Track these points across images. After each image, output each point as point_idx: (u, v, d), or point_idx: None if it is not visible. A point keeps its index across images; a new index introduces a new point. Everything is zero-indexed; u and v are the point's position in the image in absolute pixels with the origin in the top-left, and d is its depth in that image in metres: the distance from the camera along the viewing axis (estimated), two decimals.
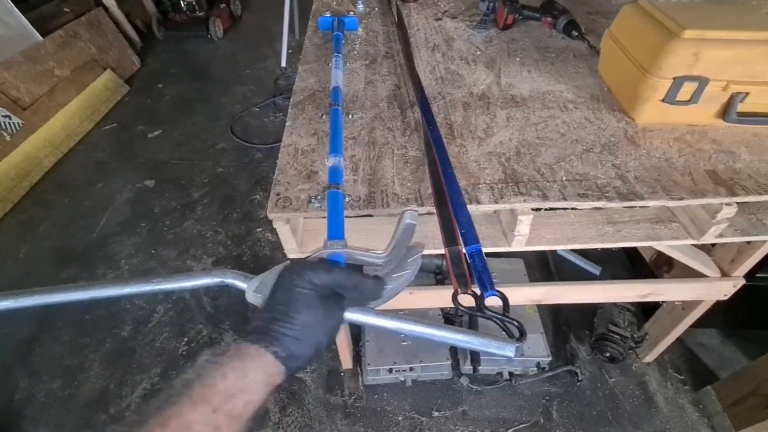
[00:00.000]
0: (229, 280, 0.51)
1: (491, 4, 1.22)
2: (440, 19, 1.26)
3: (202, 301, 1.57)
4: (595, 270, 1.64)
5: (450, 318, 1.36)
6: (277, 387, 0.39)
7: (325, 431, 1.25)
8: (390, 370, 1.31)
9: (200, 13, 3.49)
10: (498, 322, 0.50)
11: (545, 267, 1.65)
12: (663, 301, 1.24)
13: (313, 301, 0.42)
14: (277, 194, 0.67)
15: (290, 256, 0.73)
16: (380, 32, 1.19)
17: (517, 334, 0.49)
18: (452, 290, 0.51)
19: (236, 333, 1.49)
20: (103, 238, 1.82)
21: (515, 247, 0.75)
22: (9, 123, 2.04)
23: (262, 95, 2.73)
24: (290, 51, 3.05)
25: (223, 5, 3.65)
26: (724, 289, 0.99)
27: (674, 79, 0.71)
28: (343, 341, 1.26)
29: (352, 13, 1.23)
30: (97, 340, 1.47)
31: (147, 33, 3.46)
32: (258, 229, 1.85)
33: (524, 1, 1.22)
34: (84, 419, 1.28)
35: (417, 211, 0.61)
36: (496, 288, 0.52)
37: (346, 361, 1.36)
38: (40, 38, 2.40)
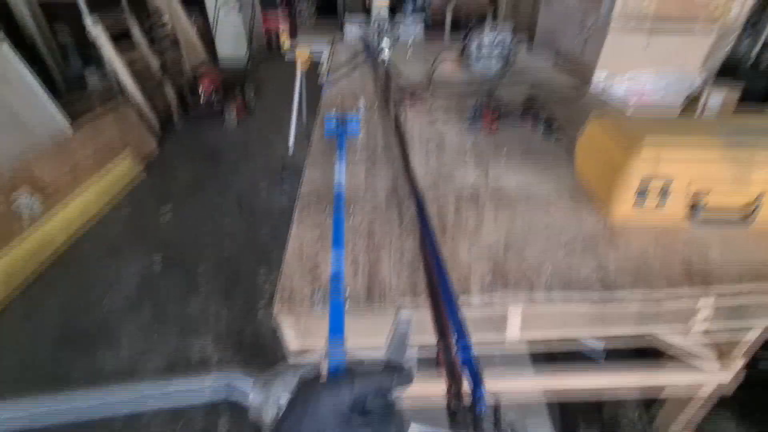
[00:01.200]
0: (232, 384, 0.53)
1: (477, 107, 1.38)
2: (433, 120, 1.42)
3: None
4: (598, 345, 1.61)
5: (456, 416, 1.32)
6: None
7: None
8: None
9: (217, 103, 3.84)
10: (490, 422, 0.52)
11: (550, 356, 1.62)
12: (667, 395, 1.22)
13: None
14: (283, 289, 0.72)
15: (291, 348, 0.76)
16: (380, 131, 1.33)
17: None
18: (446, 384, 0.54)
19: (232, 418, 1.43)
20: (106, 320, 1.82)
21: (509, 338, 0.77)
22: (29, 207, 2.16)
23: (270, 175, 2.91)
24: (297, 136, 3.31)
25: (238, 96, 4.04)
26: (723, 378, 0.99)
27: (641, 182, 0.80)
28: None
29: (354, 110, 1.39)
30: None
31: (167, 120, 3.78)
32: (260, 307, 1.86)
33: (507, 101, 1.38)
34: None
35: (411, 310, 0.66)
36: (489, 379, 0.55)
37: None
38: (70, 129, 2.63)
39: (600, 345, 1.62)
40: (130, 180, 2.87)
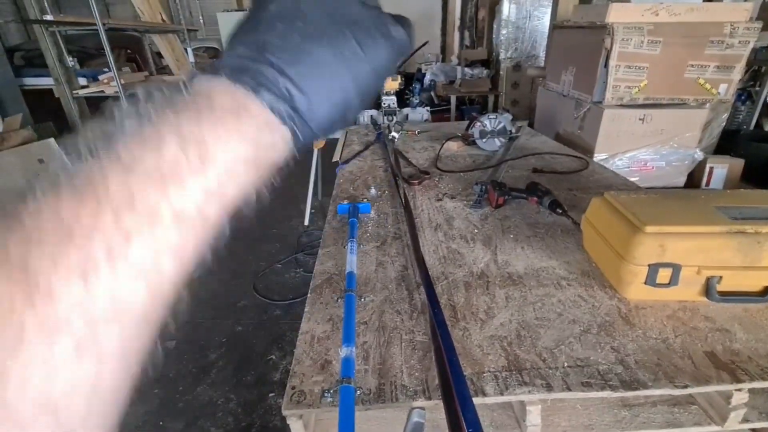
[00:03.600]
0: None
1: (483, 187, 1.44)
2: (441, 200, 1.47)
3: None
4: None
5: None
6: (273, 167, 0.26)
7: None
8: None
9: None
10: None
11: None
12: None
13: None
14: (293, 387, 0.71)
15: None
16: (390, 214, 1.39)
17: None
18: None
19: None
20: None
21: None
22: None
23: (285, 252, 2.97)
24: (313, 211, 3.43)
25: None
26: None
27: (649, 266, 0.80)
28: None
29: (365, 198, 1.46)
30: None
31: None
32: (271, 394, 1.80)
33: (510, 181, 1.44)
34: None
35: (424, 409, 0.64)
36: None
37: None
38: None
39: None
40: None
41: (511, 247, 1.13)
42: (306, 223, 3.35)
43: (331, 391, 0.69)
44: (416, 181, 1.64)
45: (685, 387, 0.66)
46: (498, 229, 1.23)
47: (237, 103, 0.23)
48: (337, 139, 2.66)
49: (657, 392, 0.66)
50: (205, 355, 2.04)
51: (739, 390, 0.68)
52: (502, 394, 0.68)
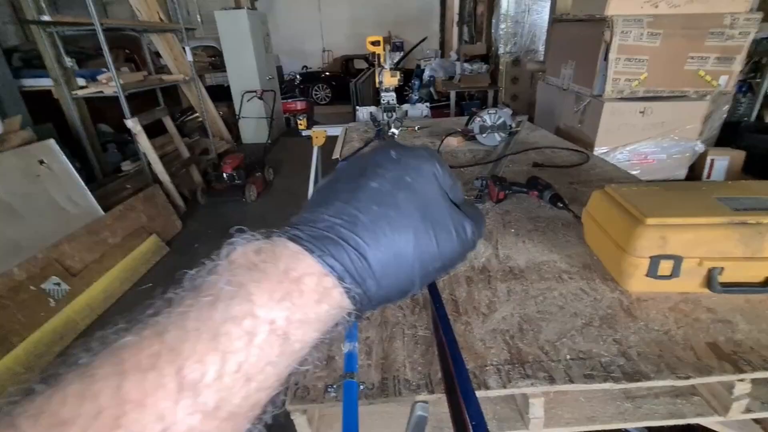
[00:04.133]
0: None
1: (483, 181, 1.43)
2: None
3: None
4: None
5: None
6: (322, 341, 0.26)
7: None
8: None
9: (239, 181, 4.07)
10: None
11: None
12: None
13: (410, 186, 0.27)
14: (296, 383, 0.71)
15: None
16: None
17: None
18: None
19: None
20: None
21: (533, 430, 0.73)
22: (57, 290, 2.24)
23: None
24: None
25: (258, 173, 4.29)
26: None
27: (650, 258, 0.80)
28: None
29: None
30: None
31: (192, 199, 4.00)
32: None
33: (511, 176, 1.44)
34: None
35: (427, 402, 0.64)
36: None
37: None
38: (102, 213, 2.81)
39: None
40: (155, 258, 2.98)
41: (513, 241, 1.13)
42: None
43: (335, 386, 0.70)
44: None
45: (688, 378, 0.66)
46: (499, 224, 1.23)
47: (323, 288, 0.24)
48: (336, 137, 2.66)
49: (659, 383, 0.67)
50: None
51: (742, 380, 0.68)
52: (504, 387, 0.68)
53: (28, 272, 2.13)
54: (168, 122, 4.09)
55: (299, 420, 0.70)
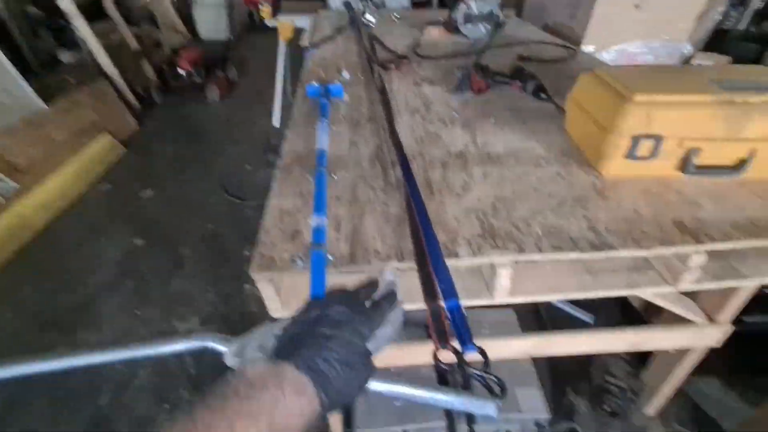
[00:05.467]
0: (210, 344, 0.51)
1: (465, 71, 1.33)
2: (419, 85, 1.37)
3: (185, 363, 1.52)
4: (588, 318, 1.63)
5: (445, 377, 1.32)
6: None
7: None
8: None
9: (198, 80, 3.70)
10: (478, 379, 0.50)
11: (538, 318, 1.63)
12: (656, 350, 1.23)
13: (351, 321, 0.42)
14: (261, 254, 0.68)
15: (274, 315, 0.73)
16: (364, 98, 1.28)
17: (498, 390, 0.49)
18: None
19: None
20: (87, 300, 1.78)
21: (498, 300, 0.76)
22: (3, 187, 2.07)
23: (255, 154, 2.83)
24: (283, 112, 3.22)
25: (219, 71, 3.90)
26: (713, 335, 0.99)
27: (632, 137, 0.77)
28: None
29: (337, 81, 1.33)
30: (73, 411, 1.38)
31: (146, 98, 3.64)
32: (247, 286, 1.83)
33: (495, 68, 1.33)
34: None
35: (397, 268, 0.63)
36: (477, 343, 0.53)
37: (336, 425, 1.29)
38: (44, 106, 2.51)
39: (589, 318, 1.64)
40: (111, 159, 2.77)
41: (492, 129, 1.07)
42: (276, 124, 3.15)
43: (302, 257, 0.67)
44: (393, 66, 1.50)
45: (650, 248, 0.68)
46: (479, 114, 1.16)
47: (294, 377, 0.36)
48: (305, 24, 2.38)
49: (624, 254, 0.68)
50: (178, 251, 2.02)
51: (699, 253, 0.70)
52: (474, 256, 0.68)
53: None
54: (108, 4, 3.52)
55: (266, 289, 0.69)
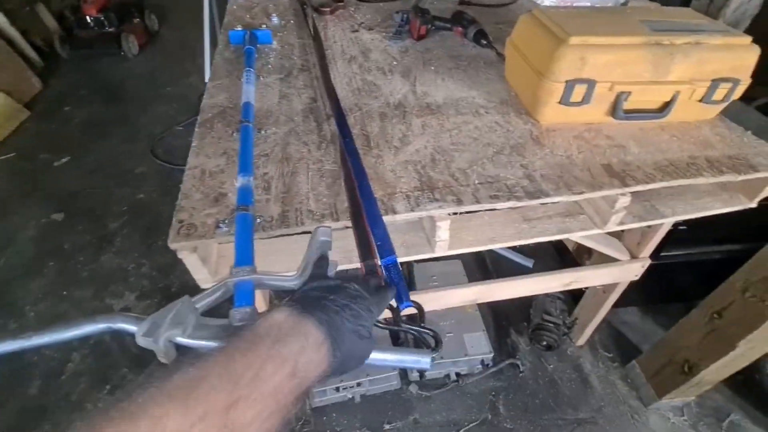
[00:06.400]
0: (118, 325, 0.45)
1: (405, 15, 1.25)
2: (357, 31, 1.27)
3: (126, 341, 1.43)
4: (528, 263, 1.73)
5: (397, 335, 1.35)
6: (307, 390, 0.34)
7: None
8: (337, 389, 1.27)
9: (110, 29, 3.24)
10: (413, 333, 0.50)
11: (483, 266, 1.70)
12: (586, 287, 1.33)
13: (364, 298, 0.42)
14: (180, 221, 0.62)
15: (204, 286, 0.68)
16: (296, 45, 1.17)
17: (432, 343, 0.49)
18: None
19: None
20: (2, 283, 1.59)
21: (438, 252, 0.75)
22: None
23: (185, 113, 2.58)
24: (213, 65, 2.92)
25: (136, 20, 3.43)
26: (635, 269, 1.08)
27: (566, 82, 0.76)
28: None
29: (264, 26, 1.20)
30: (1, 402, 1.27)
31: (49, 52, 3.15)
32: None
33: (436, 13, 1.26)
34: None
35: (330, 227, 0.59)
36: (424, 296, 0.52)
37: None
38: None
39: (530, 262, 1.74)
40: (11, 123, 2.41)
41: (432, 78, 1.03)
42: (207, 79, 2.87)
43: (227, 221, 0.62)
44: (328, 10, 1.37)
45: (582, 193, 0.70)
46: (419, 62, 1.10)
47: (323, 352, 0.35)
48: None
49: (557, 199, 0.69)
50: (105, 224, 1.84)
51: (624, 195, 0.73)
52: (412, 211, 0.66)
53: None
54: None
55: (189, 259, 0.63)
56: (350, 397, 1.30)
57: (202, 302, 0.48)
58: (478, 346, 1.36)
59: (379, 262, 0.55)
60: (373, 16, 1.37)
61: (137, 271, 1.66)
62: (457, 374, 1.36)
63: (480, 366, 1.37)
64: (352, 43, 1.20)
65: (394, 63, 1.09)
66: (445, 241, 0.73)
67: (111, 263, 1.68)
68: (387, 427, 1.26)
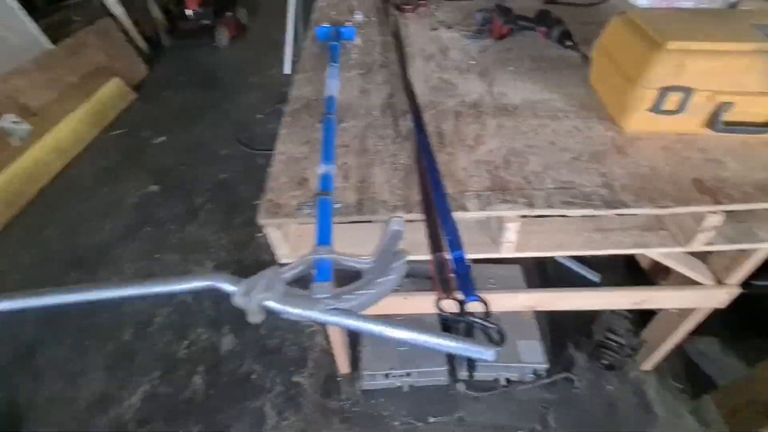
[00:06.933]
0: (220, 284, 0.53)
1: (487, 15, 1.24)
2: (436, 29, 1.29)
3: (204, 304, 1.60)
4: (595, 277, 1.64)
5: (448, 325, 1.36)
6: None
7: None
8: (387, 376, 1.32)
9: (207, 22, 3.55)
10: (478, 326, 0.52)
11: (543, 274, 1.65)
12: (659, 309, 1.24)
13: None
14: (269, 201, 0.69)
15: (282, 261, 0.75)
16: (377, 42, 1.22)
17: (497, 338, 0.50)
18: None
19: (236, 335, 1.51)
20: (107, 243, 1.85)
21: (504, 254, 0.76)
22: (18, 129, 2.09)
23: (267, 102, 2.77)
24: (295, 59, 3.10)
25: (229, 14, 3.72)
26: (720, 297, 0.99)
27: (660, 89, 0.72)
28: (340, 346, 1.27)
29: (350, 23, 1.26)
30: (99, 344, 1.49)
31: (155, 41, 3.54)
32: (259, 234, 1.87)
33: (519, 12, 1.24)
34: (84, 422, 1.30)
35: (403, 218, 0.63)
36: (479, 293, 0.54)
37: (343, 366, 1.37)
38: (51, 46, 2.46)
39: (596, 277, 1.65)
40: (122, 104, 2.76)
41: (510, 79, 1.02)
42: (287, 71, 3.05)
43: (309, 204, 0.68)
44: (409, 8, 1.40)
45: (666, 207, 0.66)
46: (498, 61, 1.10)
47: None
48: None
49: (637, 211, 0.66)
50: (192, 199, 2.06)
51: (715, 213, 0.68)
52: (483, 210, 0.67)
53: None
54: None
55: (274, 234, 0.70)
56: (399, 385, 1.34)
57: (287, 274, 0.54)
58: (532, 354, 1.33)
59: (448, 256, 0.58)
60: (454, 15, 1.38)
61: (217, 243, 1.84)
62: (507, 380, 1.34)
63: (532, 375, 1.34)
64: (431, 41, 1.22)
65: (472, 62, 1.10)
66: (512, 243, 0.73)
67: (196, 234, 1.88)
68: (432, 419, 1.29)
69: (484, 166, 0.75)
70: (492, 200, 0.68)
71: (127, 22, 3.21)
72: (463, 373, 1.38)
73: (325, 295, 0.50)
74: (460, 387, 1.35)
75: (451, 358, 1.45)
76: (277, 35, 3.36)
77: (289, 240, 0.75)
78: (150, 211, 2.00)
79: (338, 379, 1.38)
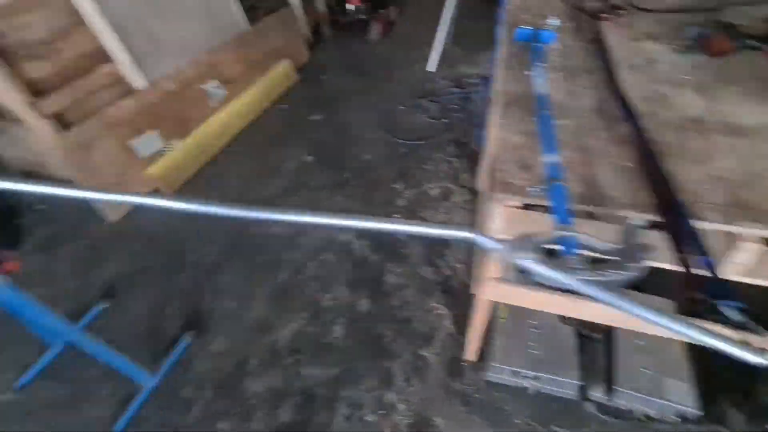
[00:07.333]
0: (480, 239, 0.61)
1: (703, 30, 1.17)
2: (638, 40, 1.25)
3: (344, 266, 1.78)
4: None
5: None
6: None
7: (444, 410, 1.33)
8: (514, 373, 1.34)
9: (362, 17, 3.86)
10: (738, 326, 0.52)
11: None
12: None
13: None
14: (501, 179, 0.76)
15: (495, 236, 0.82)
16: (574, 47, 1.23)
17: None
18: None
19: (372, 300, 1.65)
20: (271, 198, 2.16)
21: (725, 275, 0.73)
22: (217, 93, 2.53)
23: (409, 96, 2.93)
24: (441, 58, 3.22)
25: (382, 10, 4.00)
26: None
27: None
28: (477, 333, 1.33)
29: (548, 27, 1.29)
30: (261, 279, 1.76)
31: (316, 31, 3.95)
32: (396, 215, 2.02)
33: (742, 29, 1.15)
34: (247, 339, 1.56)
35: (641, 216, 0.65)
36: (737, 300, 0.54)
37: (471, 353, 1.42)
38: (248, 27, 2.92)
39: None
40: (288, 83, 3.15)
41: (735, 99, 0.96)
42: (432, 69, 3.18)
43: (538, 188, 0.73)
44: (605, 16, 1.38)
45: None
46: (717, 79, 1.04)
47: None
48: None
49: None
50: (340, 173, 2.29)
51: None
52: (726, 223, 0.66)
53: (195, 71, 2.42)
54: None
55: (497, 209, 0.77)
56: (525, 386, 1.35)
57: (538, 240, 0.60)
58: (680, 395, 1.23)
59: (695, 260, 0.59)
60: (654, 26, 1.32)
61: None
62: (646, 415, 1.26)
63: (675, 417, 1.25)
64: (633, 51, 1.19)
65: (686, 77, 1.05)
66: (743, 266, 0.70)
67: (343, 203, 2.10)
68: (555, 429, 1.28)
69: (720, 182, 0.73)
70: (734, 216, 0.67)
71: (300, 13, 3.64)
72: (597, 394, 1.34)
73: (581, 267, 0.55)
74: (590, 407, 1.31)
75: (586, 375, 1.40)
76: (422, 33, 3.52)
77: (505, 216, 0.82)
78: (305, 178, 2.28)
79: (462, 363, 1.44)
